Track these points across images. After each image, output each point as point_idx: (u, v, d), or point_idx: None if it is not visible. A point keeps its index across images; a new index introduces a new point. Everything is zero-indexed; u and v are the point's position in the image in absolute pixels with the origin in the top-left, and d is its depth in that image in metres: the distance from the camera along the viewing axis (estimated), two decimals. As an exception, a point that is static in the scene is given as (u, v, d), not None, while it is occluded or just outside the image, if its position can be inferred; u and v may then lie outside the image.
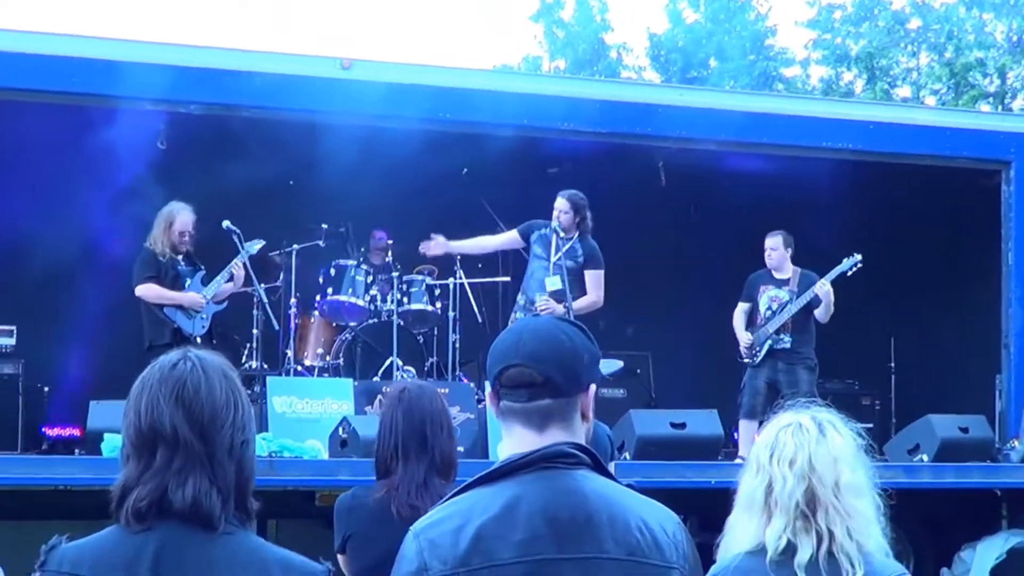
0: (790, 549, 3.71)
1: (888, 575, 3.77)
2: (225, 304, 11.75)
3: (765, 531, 3.75)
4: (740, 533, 3.82)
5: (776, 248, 12.18)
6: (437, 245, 11.66)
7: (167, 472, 2.83)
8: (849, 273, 12.16)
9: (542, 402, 3.01)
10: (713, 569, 3.83)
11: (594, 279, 11.28)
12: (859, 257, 12.15)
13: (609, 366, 11.15)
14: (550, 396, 3.01)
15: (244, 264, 11.64)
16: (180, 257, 11.41)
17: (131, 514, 2.82)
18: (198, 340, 11.09)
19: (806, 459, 3.74)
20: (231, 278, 11.68)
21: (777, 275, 12.20)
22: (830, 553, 3.70)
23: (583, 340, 3.10)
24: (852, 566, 3.68)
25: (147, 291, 11.24)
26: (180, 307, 11.27)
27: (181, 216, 11.36)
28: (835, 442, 3.79)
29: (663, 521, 3.02)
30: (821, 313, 12.01)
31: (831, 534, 3.70)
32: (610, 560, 2.90)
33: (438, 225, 12.80)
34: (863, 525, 3.75)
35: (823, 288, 11.93)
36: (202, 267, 11.55)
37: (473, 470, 3.09)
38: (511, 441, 3.02)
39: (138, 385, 2.93)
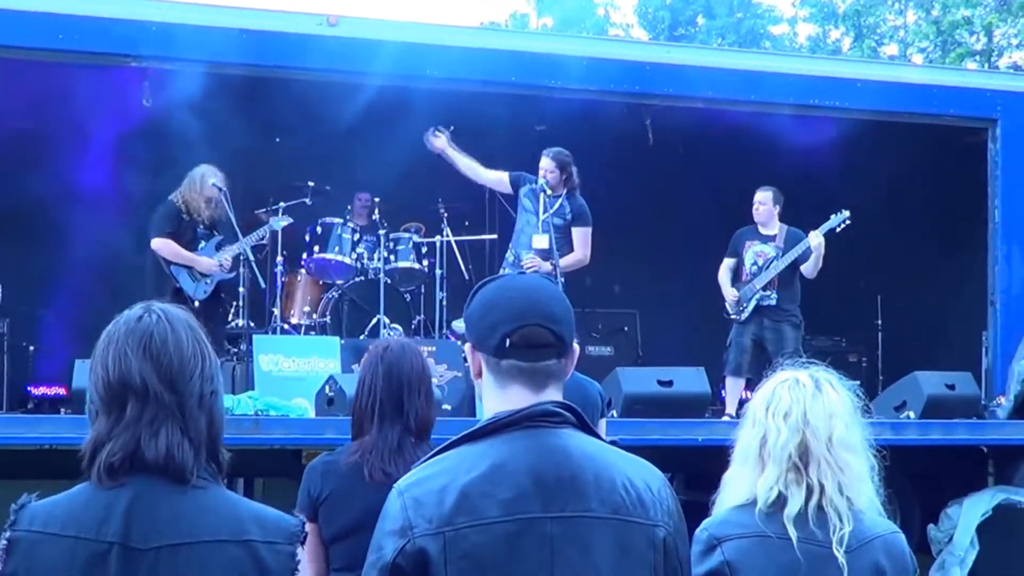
0: (780, 500, 3.74)
1: (879, 532, 3.78)
2: (234, 274, 11.68)
3: (757, 482, 3.77)
4: (735, 487, 3.85)
5: (765, 203, 12.14)
6: (440, 141, 11.45)
7: (139, 425, 2.81)
8: (838, 229, 12.14)
9: (550, 362, 2.99)
10: (703, 523, 3.85)
11: (581, 236, 11.26)
12: (847, 213, 12.14)
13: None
14: (556, 356, 3.00)
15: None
16: (201, 220, 11.26)
17: (103, 470, 2.80)
18: (196, 304, 11.02)
19: (801, 412, 3.76)
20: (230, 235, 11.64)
21: (763, 231, 12.17)
22: (819, 507, 3.72)
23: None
24: (840, 521, 3.70)
25: (163, 246, 11.12)
26: (188, 268, 11.17)
27: (212, 180, 11.23)
28: (831, 398, 3.81)
29: (648, 479, 3.01)
30: (809, 268, 11.99)
31: (822, 487, 3.72)
32: (595, 518, 2.89)
33: (424, 183, 12.80)
34: (854, 481, 3.76)
35: (816, 239, 11.91)
36: (218, 233, 11.43)
37: (460, 429, 3.06)
38: (504, 400, 2.99)
39: (104, 339, 2.91)
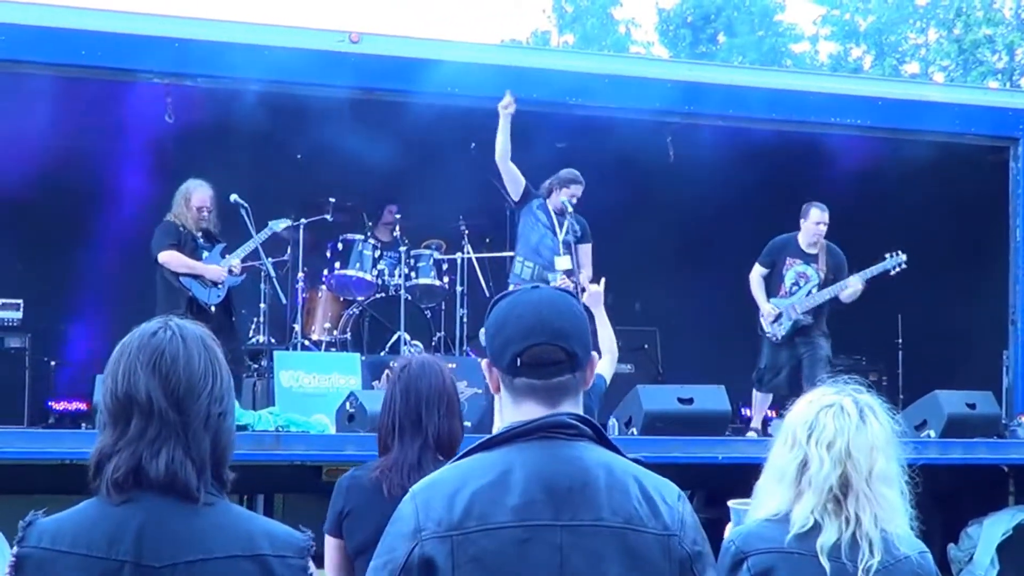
0: (815, 528, 3.73)
1: (906, 553, 3.78)
2: (243, 277, 11.71)
3: (793, 506, 3.77)
4: (767, 501, 3.84)
5: (825, 222, 11.94)
6: (510, 105, 11.10)
7: (141, 441, 2.81)
8: (893, 272, 12.08)
9: (563, 378, 3.00)
10: (730, 534, 3.87)
11: (587, 253, 11.32)
12: (904, 257, 12.02)
13: None
14: (570, 371, 3.01)
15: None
16: (199, 233, 11.34)
17: (110, 485, 2.81)
18: (212, 310, 11.07)
19: (844, 445, 3.76)
20: (251, 252, 11.66)
21: (808, 249, 12.04)
22: (853, 537, 3.72)
23: (582, 309, 3.11)
24: (871, 552, 3.70)
25: (170, 258, 11.16)
26: (198, 277, 11.21)
27: (198, 192, 11.32)
28: (874, 430, 3.80)
29: (664, 492, 3.01)
30: (847, 297, 11.94)
31: (858, 519, 3.73)
32: (606, 528, 2.90)
33: (445, 200, 12.81)
34: (890, 514, 3.77)
35: (856, 286, 11.82)
36: (221, 241, 11.49)
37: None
38: (518, 414, 3.01)
39: (117, 351, 2.92)
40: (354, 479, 5.10)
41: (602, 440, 3.02)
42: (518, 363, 2.98)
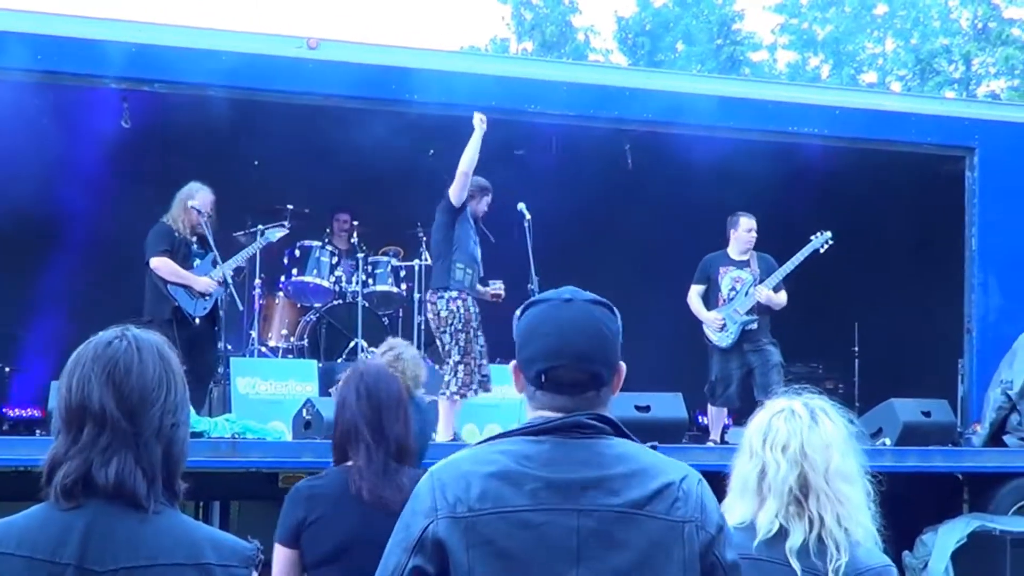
0: (781, 533, 3.76)
1: (872, 564, 3.80)
2: (228, 289, 11.65)
3: (757, 514, 3.80)
4: (732, 512, 3.86)
5: (755, 229, 12.11)
6: (481, 123, 11.05)
7: (92, 449, 2.82)
8: (821, 250, 12.16)
9: (586, 395, 3.05)
10: None
11: None
12: (829, 234, 12.17)
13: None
14: (595, 389, 3.06)
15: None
16: (194, 238, 11.22)
17: (59, 491, 2.82)
18: (197, 321, 11.00)
19: (799, 445, 3.79)
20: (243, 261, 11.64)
21: (736, 256, 12.18)
22: (819, 538, 3.75)
23: (614, 321, 3.12)
24: (838, 551, 3.72)
25: (162, 264, 10.99)
26: (185, 287, 11.09)
27: (200, 196, 11.16)
28: (826, 428, 3.84)
29: (681, 477, 3.04)
30: (776, 302, 12.01)
31: (821, 519, 3.75)
32: (623, 513, 2.93)
33: (403, 207, 12.79)
34: (852, 512, 3.80)
35: (762, 295, 11.91)
36: (213, 250, 11.39)
37: (444, 453, 3.10)
38: (539, 415, 3.06)
39: (73, 359, 2.92)
40: (315, 488, 5.04)
41: (620, 433, 3.07)
42: (542, 380, 3.04)
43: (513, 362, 3.13)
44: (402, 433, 5.06)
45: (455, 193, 10.80)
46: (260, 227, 12.46)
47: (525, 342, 3.08)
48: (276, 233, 12.08)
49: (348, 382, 5.17)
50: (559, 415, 3.01)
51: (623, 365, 3.13)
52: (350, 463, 5.01)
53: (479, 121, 10.70)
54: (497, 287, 11.16)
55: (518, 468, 2.94)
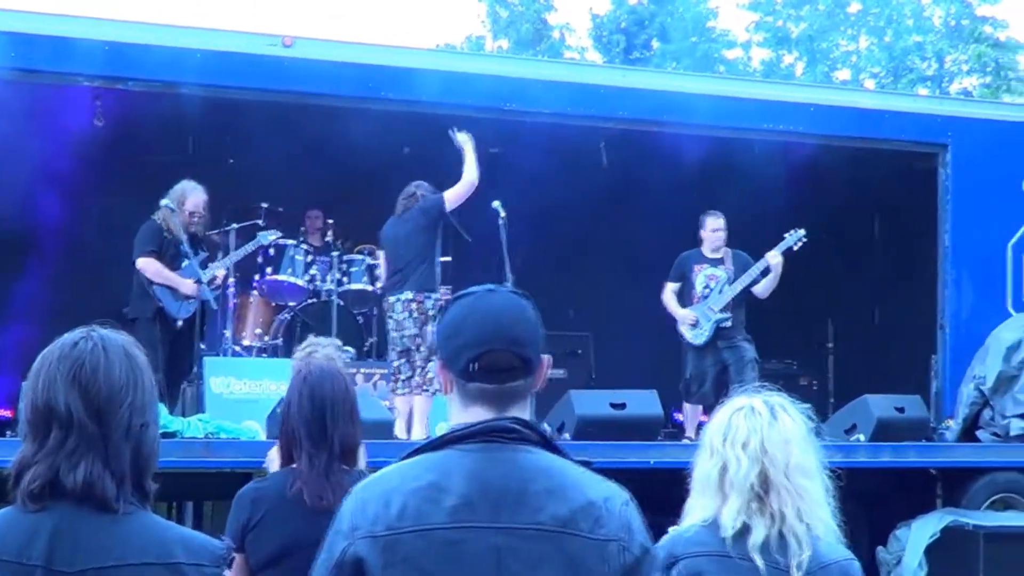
0: (745, 530, 3.77)
1: (835, 558, 3.82)
2: (219, 290, 11.62)
3: (721, 511, 3.81)
4: (694, 511, 3.89)
5: (721, 228, 12.17)
6: (465, 139, 11.16)
7: (59, 453, 2.80)
8: (795, 247, 12.19)
9: (516, 383, 3.00)
10: (661, 541, 3.84)
11: None
12: (803, 232, 12.20)
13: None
14: (523, 377, 3.01)
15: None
16: (185, 237, 11.18)
17: (26, 494, 2.80)
18: (179, 323, 10.98)
19: (759, 442, 3.81)
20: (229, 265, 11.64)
21: (710, 254, 12.21)
22: (780, 534, 3.76)
23: (536, 312, 3.09)
24: (800, 547, 3.74)
25: (148, 265, 10.96)
26: (171, 288, 11.06)
27: (193, 196, 11.13)
28: (786, 424, 3.85)
29: (608, 496, 2.98)
30: (765, 287, 12.03)
31: (783, 515, 3.77)
32: (544, 531, 2.88)
33: (379, 205, 12.76)
34: (812, 507, 3.81)
35: (775, 259, 11.95)
36: (203, 250, 11.35)
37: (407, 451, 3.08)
38: (466, 418, 3.00)
39: (39, 361, 2.90)
40: (259, 491, 5.01)
41: (547, 444, 3.02)
42: (473, 368, 2.98)
43: (438, 361, 3.09)
44: (348, 433, 4.99)
45: (453, 201, 10.89)
46: (234, 226, 12.44)
47: (453, 334, 3.02)
48: (269, 236, 12.08)
49: (292, 383, 5.13)
50: (482, 421, 2.96)
51: (547, 359, 3.09)
52: (295, 465, 4.98)
53: (465, 141, 10.79)
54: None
55: (439, 483, 2.89)
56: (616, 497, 2.99)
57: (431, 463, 2.94)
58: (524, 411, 3.03)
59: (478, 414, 2.99)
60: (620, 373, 13.47)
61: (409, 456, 3.00)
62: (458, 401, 3.03)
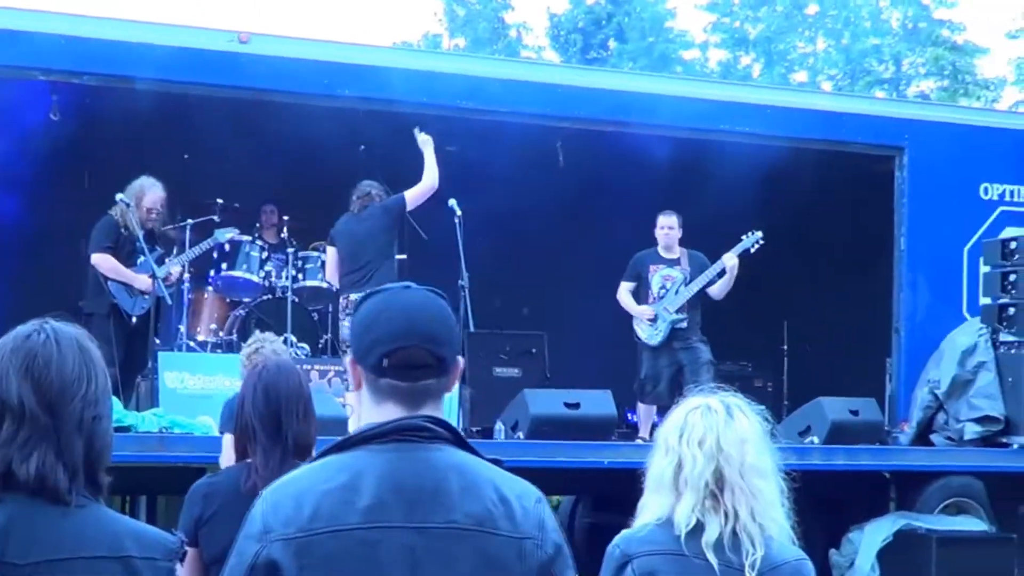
0: (699, 527, 3.77)
1: (787, 558, 3.82)
2: (173, 288, 11.57)
3: (675, 509, 3.80)
4: (648, 509, 3.87)
5: (673, 227, 12.16)
6: (427, 141, 11.25)
7: (11, 445, 2.79)
8: (752, 250, 12.21)
9: (429, 381, 2.96)
10: (615, 539, 3.86)
11: None
12: (760, 234, 12.22)
13: None
14: (436, 376, 2.97)
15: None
16: (142, 233, 11.11)
17: None
18: (134, 320, 10.95)
19: (715, 440, 3.80)
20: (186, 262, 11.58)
21: (666, 254, 12.20)
22: (734, 532, 3.76)
23: (451, 311, 3.07)
24: (753, 546, 3.74)
25: (102, 261, 10.96)
26: (126, 284, 11.00)
27: (152, 193, 11.11)
28: (742, 424, 3.85)
29: (520, 494, 2.97)
30: (720, 289, 12.05)
31: (736, 513, 3.77)
32: (459, 530, 2.87)
33: (335, 202, 12.74)
34: (766, 508, 3.81)
35: (731, 260, 11.97)
36: (159, 248, 11.30)
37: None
38: (378, 415, 2.96)
39: None
40: (212, 486, 5.02)
41: (460, 443, 2.99)
42: (385, 364, 2.94)
43: (349, 358, 3.05)
44: (302, 429, 4.98)
45: (413, 201, 10.98)
46: (190, 222, 12.39)
47: (366, 330, 2.98)
48: (226, 234, 12.04)
49: (247, 378, 5.12)
50: (394, 419, 2.93)
51: (461, 360, 3.07)
52: (249, 460, 4.97)
53: (425, 138, 10.83)
54: None
55: (352, 483, 2.86)
56: (529, 494, 2.98)
57: (343, 463, 2.90)
58: (438, 410, 2.99)
59: (390, 412, 2.95)
60: (574, 373, 13.47)
61: (320, 456, 2.97)
62: (369, 398, 2.98)
